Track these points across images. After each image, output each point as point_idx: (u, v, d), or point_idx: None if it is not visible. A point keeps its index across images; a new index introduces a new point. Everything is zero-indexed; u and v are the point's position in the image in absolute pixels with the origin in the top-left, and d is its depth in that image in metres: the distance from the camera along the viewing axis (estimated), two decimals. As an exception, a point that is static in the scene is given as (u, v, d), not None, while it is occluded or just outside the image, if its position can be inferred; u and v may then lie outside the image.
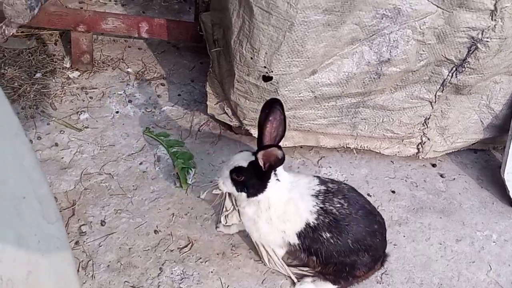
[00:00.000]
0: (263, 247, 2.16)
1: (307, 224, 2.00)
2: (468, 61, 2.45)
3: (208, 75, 2.81)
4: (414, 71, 2.48)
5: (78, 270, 2.15)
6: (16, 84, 3.04)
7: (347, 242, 1.97)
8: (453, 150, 2.93)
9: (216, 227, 2.37)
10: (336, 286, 2.12)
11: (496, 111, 2.74)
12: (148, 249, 2.28)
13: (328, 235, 1.98)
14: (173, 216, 2.43)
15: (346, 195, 2.03)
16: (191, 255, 2.27)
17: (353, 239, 1.98)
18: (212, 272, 2.22)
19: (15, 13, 2.79)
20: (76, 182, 2.54)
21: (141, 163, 2.69)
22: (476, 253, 2.45)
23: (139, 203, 2.47)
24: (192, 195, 2.55)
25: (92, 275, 2.15)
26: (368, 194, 2.65)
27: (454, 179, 2.87)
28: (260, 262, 2.25)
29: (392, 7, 2.22)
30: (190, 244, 2.32)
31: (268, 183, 1.97)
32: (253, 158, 1.95)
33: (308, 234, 2.00)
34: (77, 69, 3.28)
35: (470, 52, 2.40)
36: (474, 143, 2.93)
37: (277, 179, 1.99)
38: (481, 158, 3.04)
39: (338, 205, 1.99)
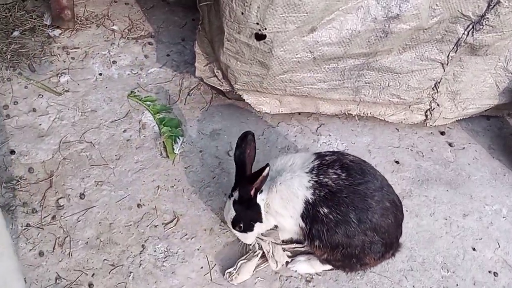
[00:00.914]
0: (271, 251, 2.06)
1: (306, 202, 1.83)
2: (487, 18, 2.22)
3: (197, 33, 2.56)
4: (426, 29, 2.27)
5: (54, 247, 2.02)
6: (-10, 43, 2.83)
7: (350, 218, 1.77)
8: (464, 117, 2.71)
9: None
10: (331, 267, 1.97)
11: (514, 74, 2.51)
12: (130, 225, 2.13)
13: (326, 210, 1.79)
14: (158, 189, 2.27)
15: (344, 164, 1.83)
16: (176, 231, 2.13)
17: (355, 214, 1.77)
18: (198, 249, 2.07)
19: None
20: (55, 151, 2.37)
21: (124, 131, 2.50)
22: (484, 229, 2.29)
23: (121, 175, 2.30)
24: (179, 166, 2.37)
25: (69, 252, 2.01)
26: (370, 165, 2.46)
27: (463, 148, 2.66)
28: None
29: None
30: (176, 219, 2.16)
31: (256, 201, 1.89)
32: (233, 201, 1.90)
33: (308, 213, 1.83)
34: (58, 27, 3.06)
35: (490, 7, 2.17)
36: (488, 109, 2.74)
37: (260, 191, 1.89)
38: (494, 126, 2.82)
39: (334, 176, 1.80)
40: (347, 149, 2.54)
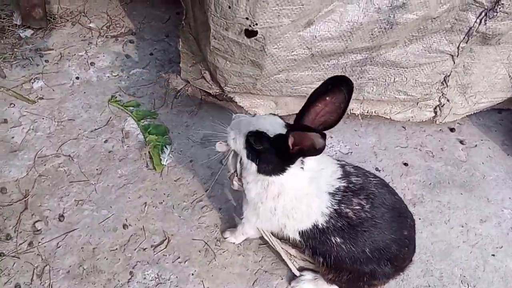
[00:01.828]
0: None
1: (315, 226, 1.65)
2: (502, 4, 2.11)
3: (180, 30, 2.33)
4: (434, 18, 2.12)
5: (32, 279, 1.81)
6: (-46, 47, 2.68)
7: (364, 251, 1.61)
8: (475, 112, 2.53)
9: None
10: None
11: (529, 63, 2.37)
12: (116, 249, 1.93)
13: (339, 240, 1.63)
14: (145, 206, 2.08)
15: (370, 194, 1.63)
16: (168, 254, 1.94)
17: (373, 247, 1.61)
18: (192, 274, 1.88)
19: None
20: (29, 168, 2.17)
21: (106, 141, 2.31)
22: (503, 236, 2.13)
23: (104, 191, 2.11)
24: (168, 178, 2.17)
25: (49, 284, 1.82)
26: (377, 169, 2.30)
27: (475, 145, 2.49)
28: (252, 260, 1.91)
29: None
30: (166, 240, 1.97)
31: (289, 168, 1.58)
32: (282, 131, 1.54)
33: (314, 236, 1.66)
34: (29, 27, 2.89)
35: (507, -9, 1.99)
36: (500, 103, 2.60)
37: (302, 167, 1.60)
38: (506, 119, 2.67)
39: (358, 207, 1.61)
40: (351, 152, 2.36)
